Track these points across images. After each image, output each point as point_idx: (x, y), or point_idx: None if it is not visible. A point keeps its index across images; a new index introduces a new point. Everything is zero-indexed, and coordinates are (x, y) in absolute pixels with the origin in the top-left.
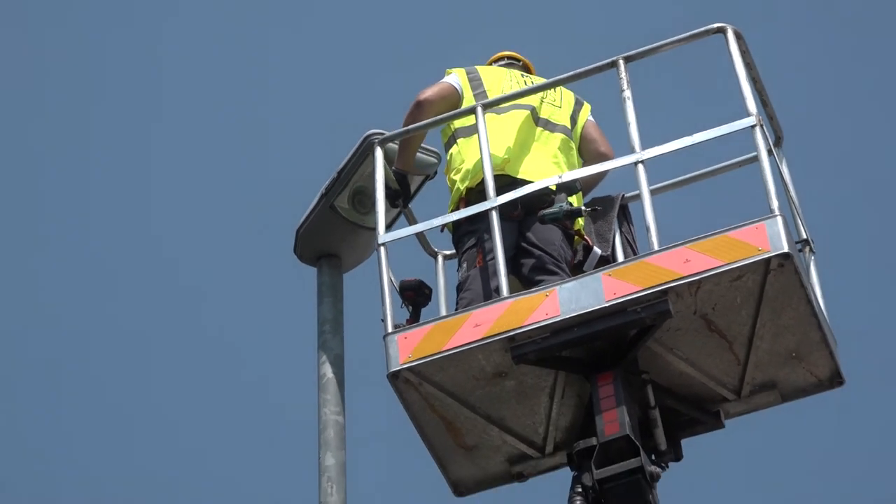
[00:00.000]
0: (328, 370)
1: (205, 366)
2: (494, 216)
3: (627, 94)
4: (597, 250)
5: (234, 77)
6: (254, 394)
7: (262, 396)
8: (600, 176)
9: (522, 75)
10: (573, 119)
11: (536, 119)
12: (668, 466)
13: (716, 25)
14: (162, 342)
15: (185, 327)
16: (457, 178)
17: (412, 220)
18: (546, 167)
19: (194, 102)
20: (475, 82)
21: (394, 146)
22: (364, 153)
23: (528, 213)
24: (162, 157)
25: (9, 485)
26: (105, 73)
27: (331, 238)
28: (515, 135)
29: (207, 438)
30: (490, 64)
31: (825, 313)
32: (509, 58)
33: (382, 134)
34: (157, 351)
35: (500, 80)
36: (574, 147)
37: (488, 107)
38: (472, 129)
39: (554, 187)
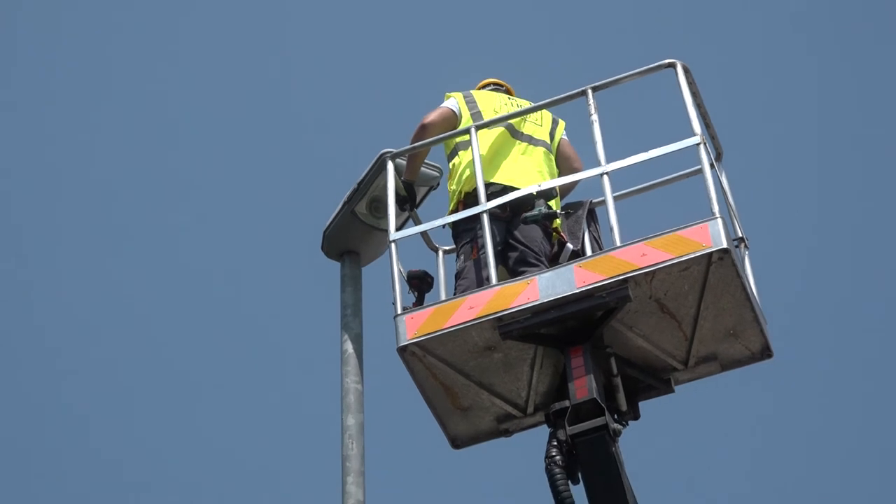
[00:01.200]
0: (349, 346)
1: (246, 343)
2: (485, 218)
3: (595, 117)
4: (569, 245)
5: (277, 109)
6: (287, 366)
7: (294, 368)
8: (573, 185)
9: (509, 98)
10: (551, 135)
11: (519, 135)
12: (628, 424)
13: (667, 61)
14: (211, 324)
15: (230, 313)
16: (456, 183)
17: (418, 222)
18: (531, 175)
19: (245, 131)
20: (471, 104)
21: (402, 161)
22: (379, 168)
23: (514, 213)
24: (215, 173)
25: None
26: (145, 90)
27: (352, 238)
28: (496, 148)
29: (248, 405)
30: (481, 87)
31: (757, 298)
32: (495, 84)
33: (393, 153)
34: (206, 329)
35: (491, 102)
36: (553, 158)
37: (481, 128)
38: (469, 144)
39: (535, 194)
